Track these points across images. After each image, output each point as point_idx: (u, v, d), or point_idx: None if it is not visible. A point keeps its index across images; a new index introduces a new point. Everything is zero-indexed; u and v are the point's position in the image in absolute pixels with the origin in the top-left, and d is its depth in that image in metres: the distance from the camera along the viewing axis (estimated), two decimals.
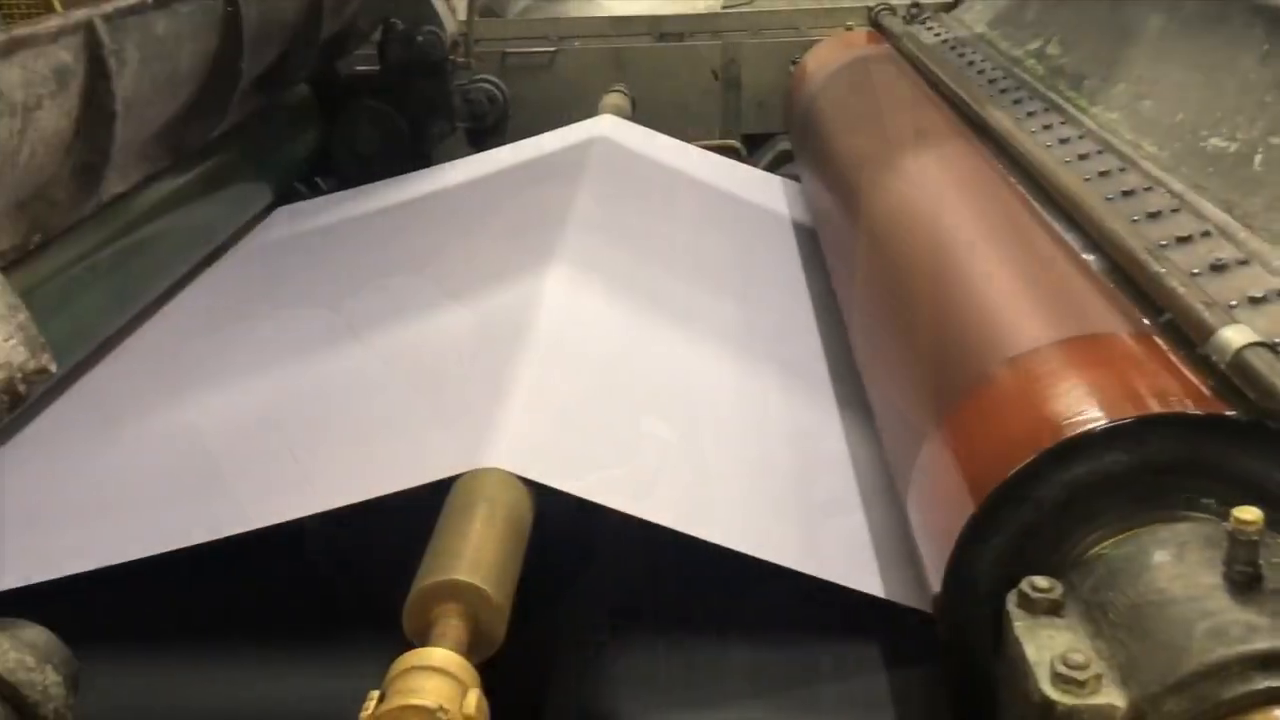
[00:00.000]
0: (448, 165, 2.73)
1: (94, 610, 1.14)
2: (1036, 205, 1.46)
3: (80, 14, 1.42)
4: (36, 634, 0.87)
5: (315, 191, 2.84)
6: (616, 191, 2.23)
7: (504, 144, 2.86)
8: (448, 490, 1.13)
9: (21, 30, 1.30)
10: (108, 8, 1.48)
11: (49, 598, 1.12)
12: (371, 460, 1.29)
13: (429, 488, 1.15)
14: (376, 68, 2.90)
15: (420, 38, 2.75)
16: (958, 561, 0.97)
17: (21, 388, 1.02)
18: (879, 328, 1.46)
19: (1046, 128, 1.75)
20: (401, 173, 2.73)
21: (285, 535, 1.18)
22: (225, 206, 2.36)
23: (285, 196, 2.68)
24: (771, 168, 2.85)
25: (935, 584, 1.00)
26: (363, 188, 2.68)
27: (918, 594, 1.10)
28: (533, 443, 1.23)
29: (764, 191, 2.54)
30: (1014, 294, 1.24)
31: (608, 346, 1.55)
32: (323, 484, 1.24)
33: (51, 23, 1.37)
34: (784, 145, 2.96)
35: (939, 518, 1.04)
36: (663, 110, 3.00)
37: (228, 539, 1.18)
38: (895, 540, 1.21)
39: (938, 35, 2.54)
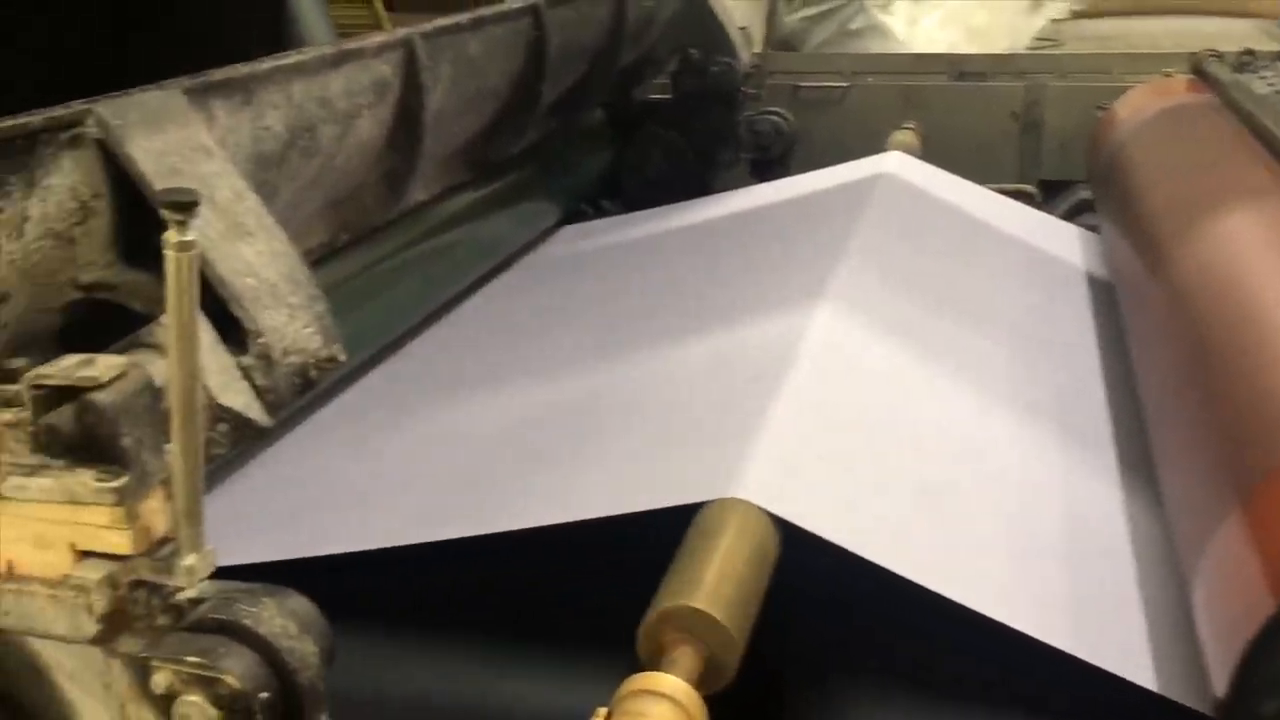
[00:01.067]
0: (729, 194, 2.75)
1: (340, 590, 1.21)
2: None
3: (402, 32, 1.53)
4: (300, 604, 0.92)
5: (600, 213, 2.93)
6: (899, 230, 2.17)
7: (788, 176, 2.86)
8: (693, 515, 1.13)
9: (349, 44, 1.41)
10: (427, 27, 1.59)
11: (308, 573, 1.19)
12: (624, 476, 1.30)
13: (675, 510, 1.15)
14: (669, 96, 2.97)
15: (715, 68, 2.79)
16: (1249, 664, 0.86)
17: (313, 373, 1.10)
18: (1176, 397, 1.34)
19: None
20: (685, 199, 2.78)
21: (526, 539, 1.21)
22: (515, 221, 2.47)
23: (572, 216, 2.79)
24: (1068, 216, 2.70)
25: (1220, 686, 0.90)
26: (646, 212, 2.74)
27: (1197, 693, 0.99)
28: (786, 479, 1.20)
29: (1059, 241, 2.40)
30: None
31: (873, 389, 1.50)
32: (578, 494, 1.26)
33: (375, 39, 1.48)
34: (1083, 194, 2.80)
35: (1230, 612, 0.93)
36: (955, 150, 2.91)
37: (475, 536, 1.21)
38: (1174, 630, 1.09)
39: (1273, 86, 2.32)
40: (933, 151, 2.82)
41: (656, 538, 1.12)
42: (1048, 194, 2.95)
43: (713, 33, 2.74)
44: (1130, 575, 1.20)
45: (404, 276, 1.97)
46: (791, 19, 3.41)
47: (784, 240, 2.23)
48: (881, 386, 1.53)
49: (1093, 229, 2.47)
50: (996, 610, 1.07)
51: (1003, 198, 2.56)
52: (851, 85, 3.16)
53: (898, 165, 2.50)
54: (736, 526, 1.11)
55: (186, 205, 0.82)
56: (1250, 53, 2.57)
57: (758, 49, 3.02)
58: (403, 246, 1.96)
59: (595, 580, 1.29)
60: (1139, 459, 1.44)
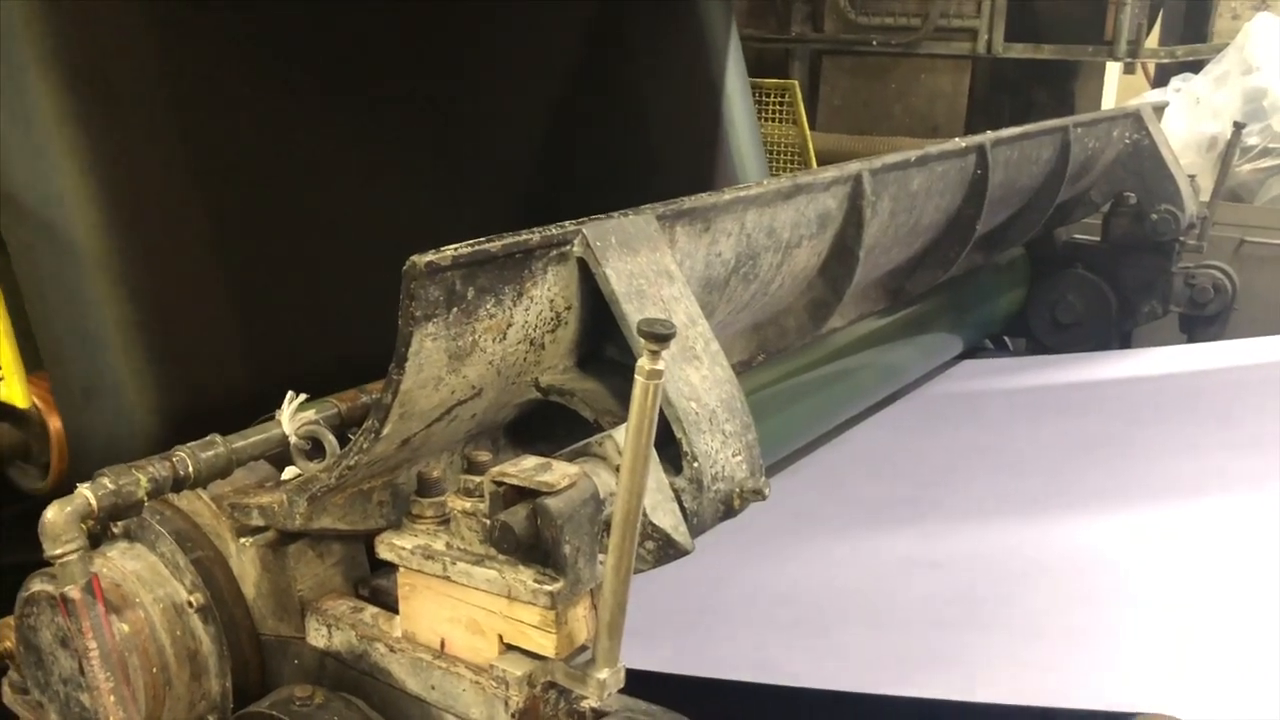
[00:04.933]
0: (1155, 350, 2.55)
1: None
2: None
3: (853, 166, 1.54)
4: None
5: (1001, 349, 2.81)
6: None
7: (1223, 337, 2.61)
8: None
9: (804, 177, 1.44)
10: (876, 162, 1.59)
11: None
12: (1038, 664, 1.20)
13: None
14: (1096, 238, 2.81)
15: (1154, 216, 2.61)
16: None
17: (736, 503, 1.10)
18: None
19: None
20: (1099, 347, 2.61)
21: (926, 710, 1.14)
22: (919, 351, 2.42)
23: (976, 350, 2.69)
24: None
25: None
26: (1055, 356, 2.60)
27: None
28: (1222, 700, 1.06)
29: None
30: None
31: None
32: (993, 676, 1.18)
33: (828, 173, 1.50)
34: None
35: None
36: None
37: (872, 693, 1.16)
38: None
39: None
40: None
41: None
42: None
43: (1157, 179, 2.57)
44: None
45: (807, 397, 1.97)
46: (1246, 169, 3.14)
47: (1224, 413, 2.02)
48: None
49: None
50: None
51: None
52: None
53: None
54: None
55: (664, 337, 0.85)
56: None
57: (1205, 198, 2.79)
58: (809, 366, 1.96)
59: None
60: None
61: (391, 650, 1.05)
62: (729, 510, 1.11)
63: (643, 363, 0.86)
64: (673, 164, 2.57)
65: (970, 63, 4.22)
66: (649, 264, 1.13)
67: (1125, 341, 2.74)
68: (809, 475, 1.97)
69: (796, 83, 3.52)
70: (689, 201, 1.25)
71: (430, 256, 0.92)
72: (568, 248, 1.07)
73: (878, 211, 1.62)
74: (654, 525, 1.03)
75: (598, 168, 2.26)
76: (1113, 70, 4.64)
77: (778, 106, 3.46)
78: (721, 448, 1.10)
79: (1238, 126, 2.73)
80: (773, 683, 1.19)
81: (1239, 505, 1.53)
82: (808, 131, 3.34)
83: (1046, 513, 1.64)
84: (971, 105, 4.27)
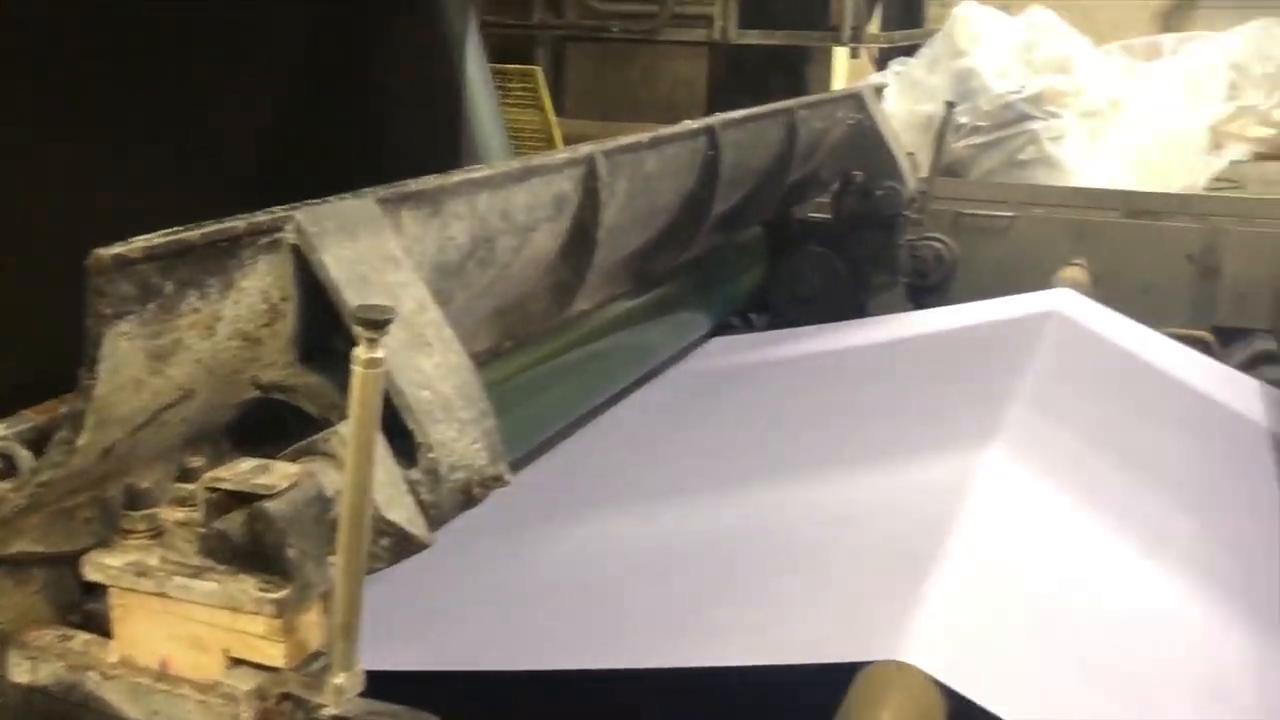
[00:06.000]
0: (885, 319, 2.70)
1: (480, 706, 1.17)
2: None
3: (584, 148, 1.54)
4: None
5: (748, 326, 2.91)
6: (1070, 373, 2.08)
7: (946, 304, 2.79)
8: (846, 674, 1.06)
9: (537, 160, 1.43)
10: (609, 144, 1.60)
11: (446, 684, 1.16)
12: (778, 623, 1.24)
13: (824, 668, 1.08)
14: (828, 216, 2.95)
15: (879, 192, 2.76)
16: None
17: (477, 491, 1.08)
18: None
19: None
20: (836, 319, 2.73)
21: (668, 678, 1.15)
22: (668, 332, 2.46)
23: (722, 328, 2.77)
24: (1246, 367, 2.56)
25: None
26: (797, 329, 2.70)
27: None
28: (954, 644, 1.12)
29: (1239, 394, 2.27)
30: None
31: (1043, 548, 1.41)
32: (727, 638, 1.21)
33: (560, 155, 1.49)
34: (1263, 344, 2.65)
35: None
36: (1125, 290, 2.79)
37: (613, 669, 1.16)
38: None
39: None
40: (1102, 290, 2.72)
41: (805, 693, 1.06)
42: (1224, 341, 2.80)
43: (880, 157, 2.72)
44: None
45: (558, 382, 1.96)
46: (959, 146, 3.37)
47: (947, 374, 2.15)
48: (1052, 545, 1.44)
49: (1275, 383, 2.33)
50: None
51: (1179, 345, 2.44)
52: (1017, 216, 3.09)
53: (1068, 303, 2.41)
54: (900, 695, 1.04)
55: (380, 323, 0.81)
56: None
57: (923, 174, 2.98)
58: (558, 352, 1.96)
59: None
60: None
61: (106, 678, 0.97)
62: (470, 499, 1.09)
63: (359, 351, 0.82)
64: (412, 153, 2.51)
65: (708, 49, 4.34)
66: (372, 250, 1.09)
67: (860, 312, 2.88)
68: (565, 459, 1.97)
69: (539, 69, 3.51)
70: (415, 184, 1.21)
71: (118, 249, 0.85)
72: (280, 235, 1.02)
73: (615, 193, 1.64)
74: (387, 521, 1.00)
75: (331, 164, 2.18)
76: (841, 55, 4.89)
77: (522, 92, 3.45)
78: (459, 435, 1.08)
79: (949, 106, 2.92)
80: (522, 669, 1.18)
81: (967, 457, 1.63)
82: (553, 117, 3.35)
83: (789, 478, 1.70)
84: (712, 91, 4.40)
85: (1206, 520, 1.67)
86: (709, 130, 1.94)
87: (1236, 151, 3.54)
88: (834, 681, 1.07)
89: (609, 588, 1.40)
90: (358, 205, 1.11)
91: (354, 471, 0.84)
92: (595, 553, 1.52)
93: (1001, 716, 1.03)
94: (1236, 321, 2.86)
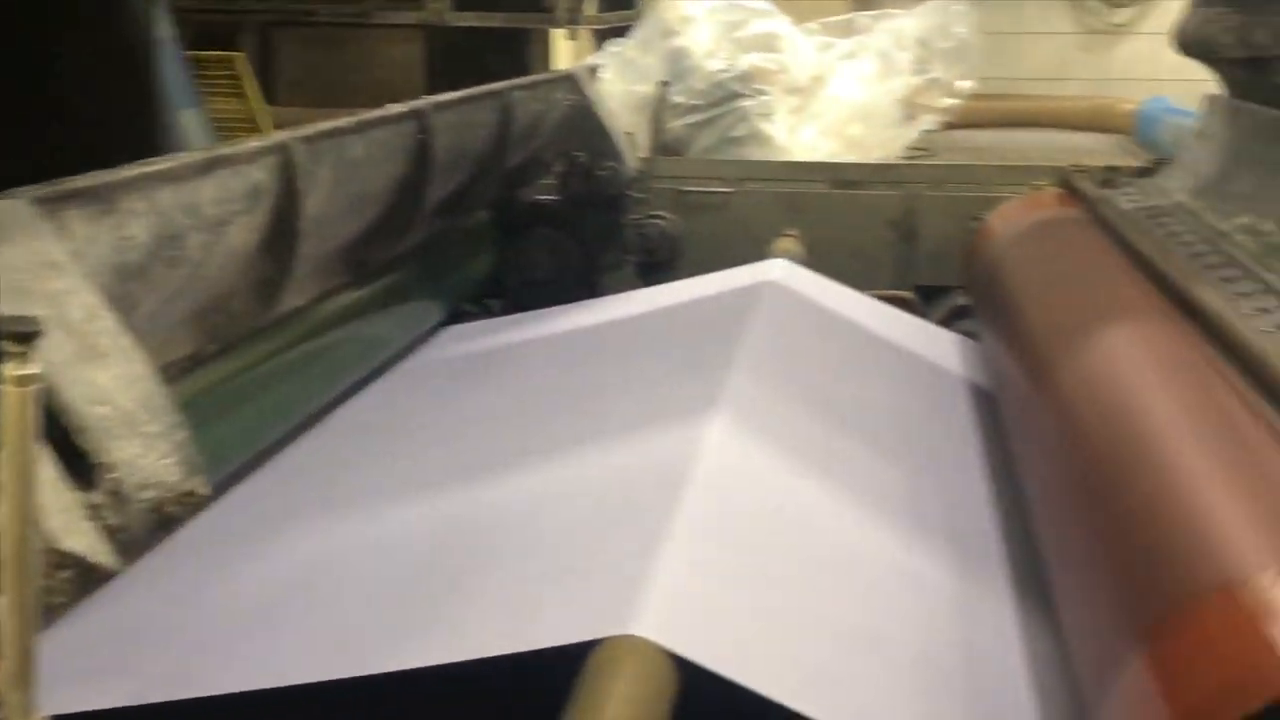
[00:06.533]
0: (616, 297, 2.73)
1: None
2: (1254, 398, 1.32)
3: (280, 135, 1.47)
4: None
5: (485, 313, 2.87)
6: (786, 339, 2.17)
7: (675, 279, 2.85)
8: (582, 654, 1.06)
9: (222, 149, 1.34)
10: (307, 130, 1.53)
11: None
12: (511, 611, 1.22)
13: (566, 649, 1.08)
14: (555, 198, 2.95)
15: (601, 172, 2.79)
16: None
17: (172, 509, 1.00)
18: (1067, 520, 1.33)
19: (1264, 311, 1.60)
20: (571, 301, 2.75)
21: (408, 681, 1.12)
22: (396, 323, 2.40)
23: (456, 316, 2.72)
24: (945, 322, 2.76)
25: None
26: (530, 313, 2.69)
27: None
28: (681, 613, 1.14)
29: (939, 348, 2.44)
30: (1231, 500, 1.10)
31: (768, 510, 1.46)
32: (460, 633, 1.18)
33: (251, 144, 1.41)
34: (959, 300, 2.86)
35: None
36: (836, 257, 2.94)
37: (350, 679, 1.12)
38: None
39: (1135, 202, 2.42)
40: (815, 257, 2.86)
41: (550, 676, 1.05)
42: (925, 300, 3.01)
43: (599, 137, 2.75)
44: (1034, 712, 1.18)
45: (276, 385, 1.87)
46: (676, 125, 3.45)
47: (672, 347, 2.20)
48: (775, 506, 1.49)
49: (969, 335, 2.52)
50: None
51: (884, 305, 2.60)
52: (735, 191, 3.20)
53: (783, 272, 2.51)
54: (630, 668, 1.04)
55: (28, 335, 0.73)
56: (1113, 169, 2.69)
57: (643, 154, 3.03)
58: (274, 353, 1.86)
59: None
60: (1031, 577, 1.43)
61: None
62: (165, 519, 1.01)
63: (7, 369, 0.74)
64: (105, 150, 2.33)
65: (423, 32, 4.26)
66: (27, 256, 0.99)
67: (593, 292, 2.90)
68: (291, 465, 1.88)
69: (241, 55, 3.33)
70: (81, 181, 1.11)
71: None
72: None
73: (318, 181, 1.56)
74: (64, 551, 0.91)
75: (14, 168, 1.98)
76: (562, 38, 4.91)
77: (224, 81, 3.26)
78: (145, 452, 1.00)
79: (663, 86, 2.98)
80: (250, 689, 1.11)
81: (692, 426, 1.66)
82: (259, 105, 3.18)
83: (522, 464, 1.69)
84: (431, 74, 4.32)
85: (914, 468, 1.79)
86: (418, 113, 1.89)
87: (927, 121, 3.81)
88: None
89: (335, 597, 1.35)
90: (8, 207, 1.00)
91: (14, 500, 0.76)
92: (320, 561, 1.46)
93: (733, 679, 1.06)
94: (935, 280, 3.06)
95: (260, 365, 1.84)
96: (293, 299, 1.72)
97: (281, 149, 1.46)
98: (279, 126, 3.43)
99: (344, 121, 1.64)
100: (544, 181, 2.95)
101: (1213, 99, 2.47)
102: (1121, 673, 0.99)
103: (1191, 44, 2.49)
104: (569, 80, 2.67)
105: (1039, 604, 1.38)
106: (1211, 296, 1.63)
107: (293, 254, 1.54)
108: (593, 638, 1.07)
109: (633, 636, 1.07)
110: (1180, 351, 1.50)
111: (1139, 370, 1.49)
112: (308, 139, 1.52)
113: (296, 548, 1.52)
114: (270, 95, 3.82)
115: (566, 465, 1.63)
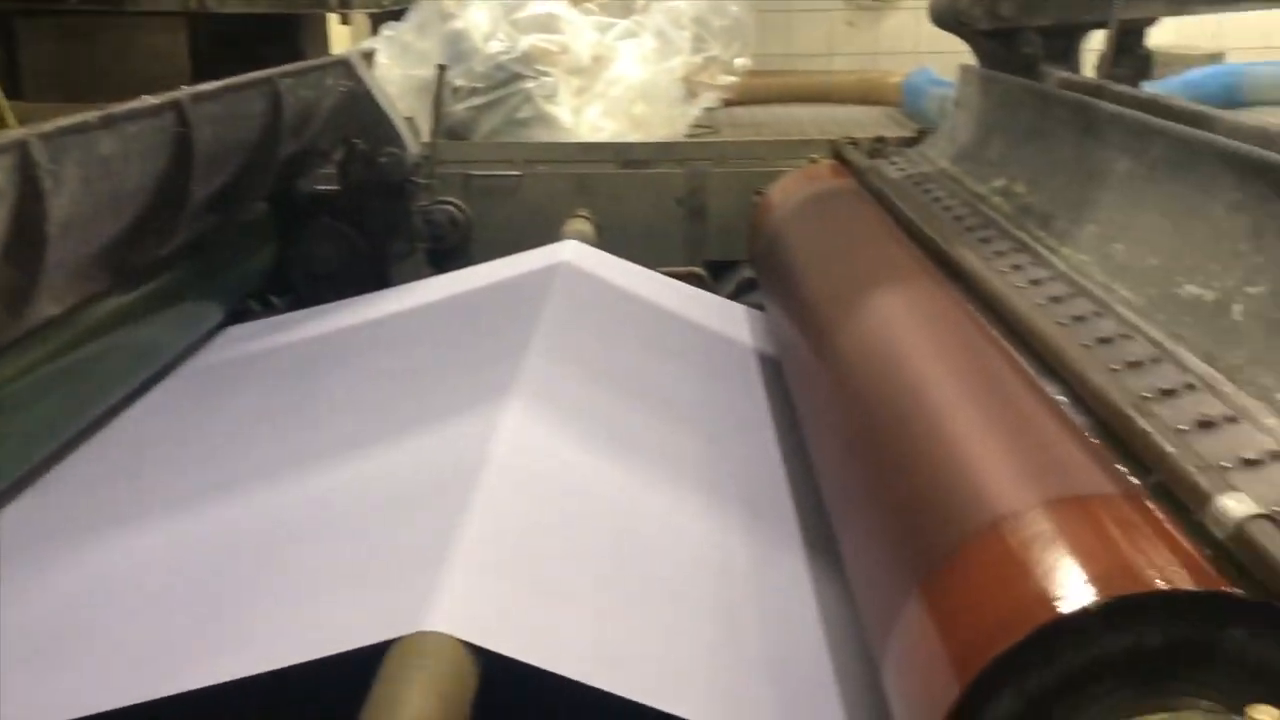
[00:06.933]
0: (406, 287, 2.67)
1: None
2: (1010, 349, 1.41)
3: (15, 133, 1.36)
4: None
5: (269, 309, 2.76)
6: (579, 319, 2.18)
7: (466, 266, 2.81)
8: (382, 656, 1.04)
9: None
10: (47, 126, 1.42)
11: None
12: (302, 620, 1.18)
13: (364, 652, 1.05)
14: (336, 187, 2.86)
15: (382, 159, 2.72)
16: None
17: None
18: (847, 476, 1.39)
19: (1017, 268, 1.71)
20: (359, 292, 2.67)
21: (202, 701, 1.07)
22: (172, 326, 2.27)
23: (239, 314, 2.61)
24: (735, 295, 2.82)
25: None
26: (317, 308, 2.61)
27: None
28: (479, 603, 1.13)
29: (728, 320, 2.50)
30: (993, 447, 1.18)
31: (565, 491, 1.47)
32: (246, 645, 1.13)
33: None
34: (747, 273, 2.94)
35: (919, 697, 0.96)
36: (627, 236, 2.97)
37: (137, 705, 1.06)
38: (873, 712, 1.12)
39: (901, 170, 2.54)
40: (606, 237, 2.87)
41: (349, 683, 1.02)
42: (714, 274, 3.07)
43: (378, 123, 2.67)
44: (826, 664, 1.22)
45: (35, 401, 1.74)
46: (458, 109, 3.40)
47: (466, 336, 2.18)
48: (575, 488, 1.50)
49: (757, 307, 2.59)
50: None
51: (675, 281, 2.64)
52: (524, 174, 3.18)
53: (574, 253, 2.52)
54: (429, 663, 1.03)
55: None
56: (881, 140, 2.81)
57: (426, 139, 2.97)
58: (30, 367, 1.73)
59: None
60: (822, 534, 1.49)
61: None
62: None
63: None
64: None
65: (185, 20, 4.04)
66: None
67: (383, 282, 2.83)
68: (61, 482, 1.76)
69: None
70: None
71: None
72: None
73: (63, 181, 1.46)
74: None
75: None
76: (337, 23, 4.74)
77: None
78: None
79: (441, 69, 2.93)
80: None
81: (487, 414, 1.64)
82: (1, 102, 2.95)
83: (313, 464, 1.63)
84: (198, 65, 4.10)
85: (708, 436, 1.83)
86: (176, 105, 1.79)
87: (708, 99, 3.88)
88: None
89: (119, 617, 1.27)
90: None
91: None
92: (98, 583, 1.37)
93: (535, 664, 1.06)
94: (723, 255, 3.14)
95: (16, 381, 1.71)
96: (48, 308, 1.60)
97: (19, 147, 1.36)
98: (24, 124, 3.19)
99: (90, 116, 1.54)
100: (324, 171, 2.85)
101: (966, 69, 2.61)
102: (901, 616, 1.04)
103: (945, 16, 2.63)
104: (343, 65, 2.59)
105: (830, 558, 1.44)
106: (970, 257, 1.74)
107: (40, 260, 1.43)
108: (388, 638, 1.05)
109: (428, 632, 1.06)
110: (945, 310, 1.59)
111: (907, 329, 1.56)
112: (47, 136, 1.41)
113: (69, 570, 1.42)
114: (13, 91, 3.54)
115: (357, 463, 1.58)
